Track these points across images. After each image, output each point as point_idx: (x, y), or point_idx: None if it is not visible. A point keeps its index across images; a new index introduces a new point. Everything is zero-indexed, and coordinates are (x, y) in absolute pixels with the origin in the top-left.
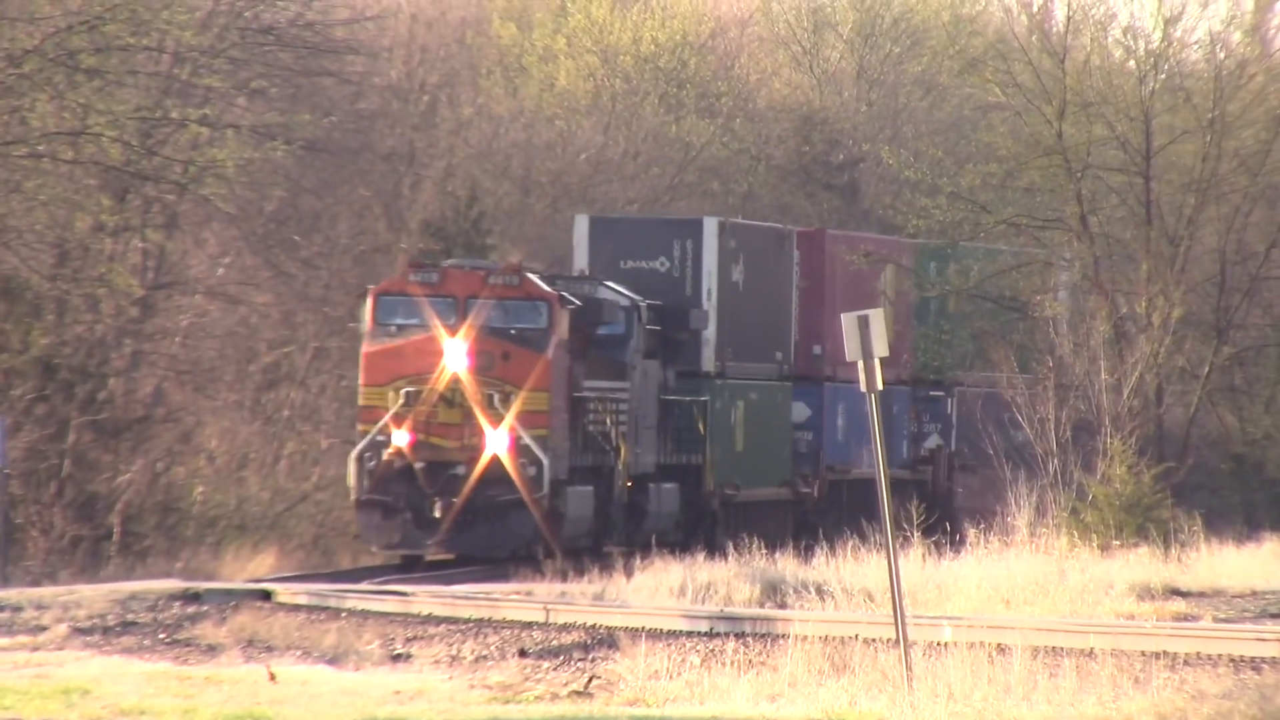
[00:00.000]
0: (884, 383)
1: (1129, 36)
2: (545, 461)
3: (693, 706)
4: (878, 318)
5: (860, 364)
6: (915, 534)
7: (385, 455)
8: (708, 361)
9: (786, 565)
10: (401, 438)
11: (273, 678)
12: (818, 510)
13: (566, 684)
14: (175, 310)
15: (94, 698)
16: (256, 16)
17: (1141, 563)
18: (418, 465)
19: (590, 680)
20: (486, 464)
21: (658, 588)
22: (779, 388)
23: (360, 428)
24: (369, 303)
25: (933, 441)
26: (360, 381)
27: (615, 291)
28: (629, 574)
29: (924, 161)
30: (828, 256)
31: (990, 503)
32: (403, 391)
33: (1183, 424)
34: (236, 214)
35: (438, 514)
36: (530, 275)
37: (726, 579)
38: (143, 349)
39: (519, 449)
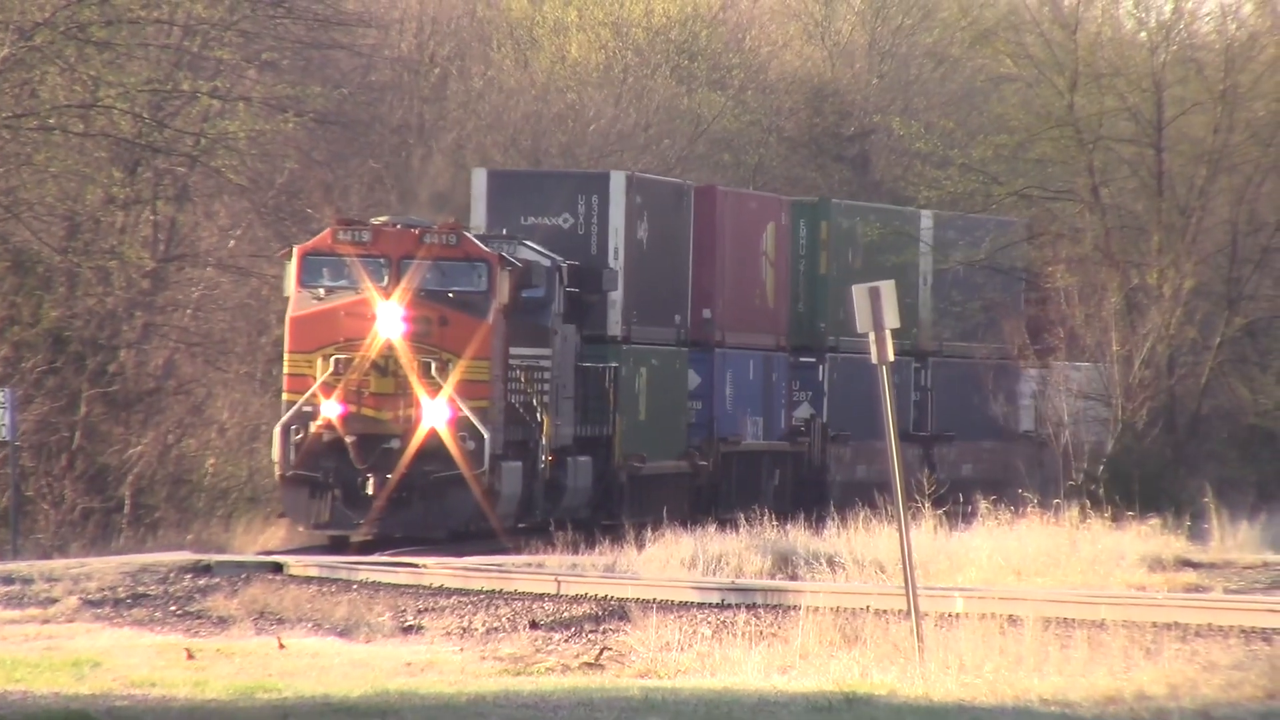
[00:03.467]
0: (763, 349)
1: (1140, 8)
2: (486, 435)
3: (704, 678)
4: (889, 290)
5: (871, 336)
6: (926, 505)
7: (314, 428)
8: (613, 325)
9: (797, 537)
10: (332, 409)
11: (281, 646)
12: (710, 484)
13: (578, 656)
14: (186, 283)
15: (104, 670)
16: None
17: (1153, 534)
18: (349, 439)
19: (601, 652)
20: (424, 438)
21: (669, 559)
22: (677, 354)
23: (286, 397)
24: (294, 263)
25: (804, 411)
26: (286, 348)
27: (536, 251)
28: (640, 546)
29: (935, 133)
30: (719, 215)
31: (861, 475)
32: (332, 359)
33: (1194, 396)
34: (248, 186)
35: (370, 491)
36: (468, 234)
37: (738, 550)
38: (154, 321)
39: (458, 422)
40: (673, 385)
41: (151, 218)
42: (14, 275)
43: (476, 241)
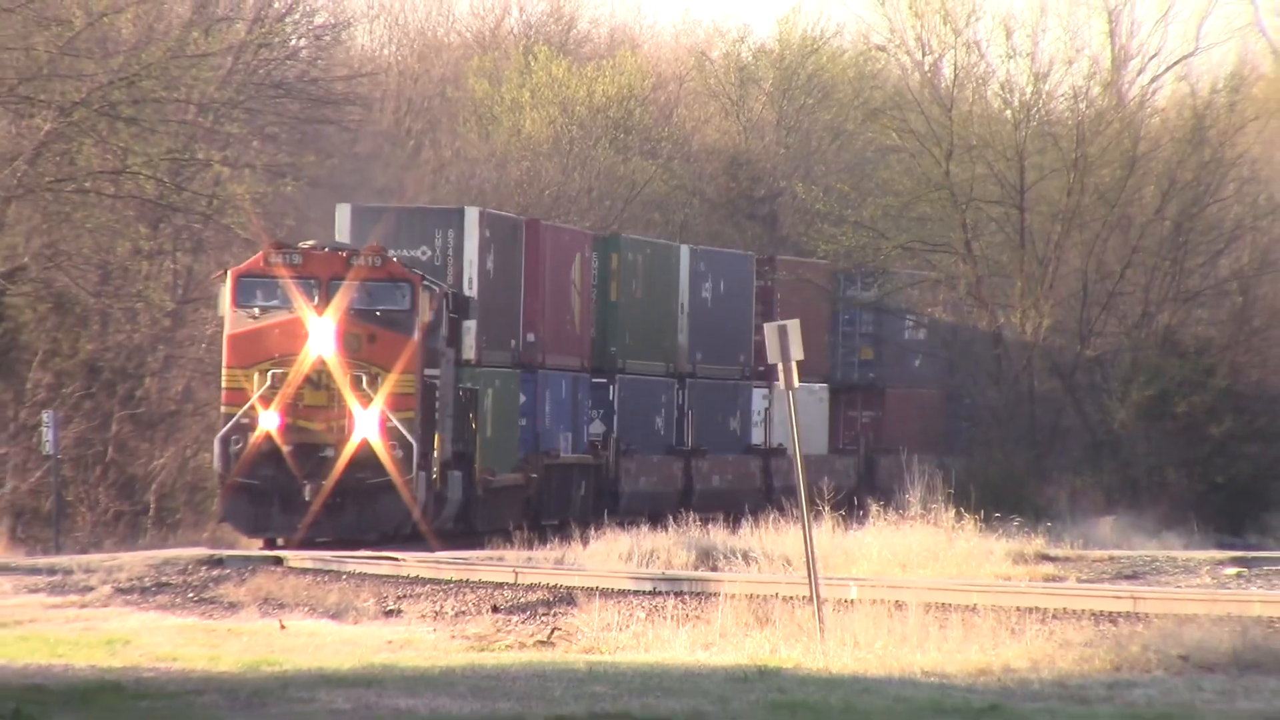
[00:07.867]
0: (572, 370)
1: (1005, 90)
2: (415, 444)
3: (639, 654)
4: (794, 327)
5: (779, 366)
6: (825, 509)
7: (253, 438)
8: (468, 349)
9: (717, 535)
10: (270, 420)
11: (283, 627)
12: (537, 494)
13: (533, 635)
14: (201, 321)
15: (133, 647)
16: (269, 73)
17: (1017, 533)
18: (286, 448)
19: (552, 632)
20: (357, 447)
21: (609, 554)
22: (512, 375)
23: (224, 410)
24: (228, 285)
25: (597, 428)
26: (224, 363)
27: (426, 279)
28: (585, 542)
29: (832, 196)
30: (541, 247)
31: (644, 486)
32: (269, 374)
33: (1051, 416)
34: (253, 239)
35: (308, 497)
36: (392, 258)
37: (667, 547)
38: (174, 354)
39: (389, 431)
40: (510, 404)
41: (172, 266)
42: (55, 315)
43: (400, 264)
